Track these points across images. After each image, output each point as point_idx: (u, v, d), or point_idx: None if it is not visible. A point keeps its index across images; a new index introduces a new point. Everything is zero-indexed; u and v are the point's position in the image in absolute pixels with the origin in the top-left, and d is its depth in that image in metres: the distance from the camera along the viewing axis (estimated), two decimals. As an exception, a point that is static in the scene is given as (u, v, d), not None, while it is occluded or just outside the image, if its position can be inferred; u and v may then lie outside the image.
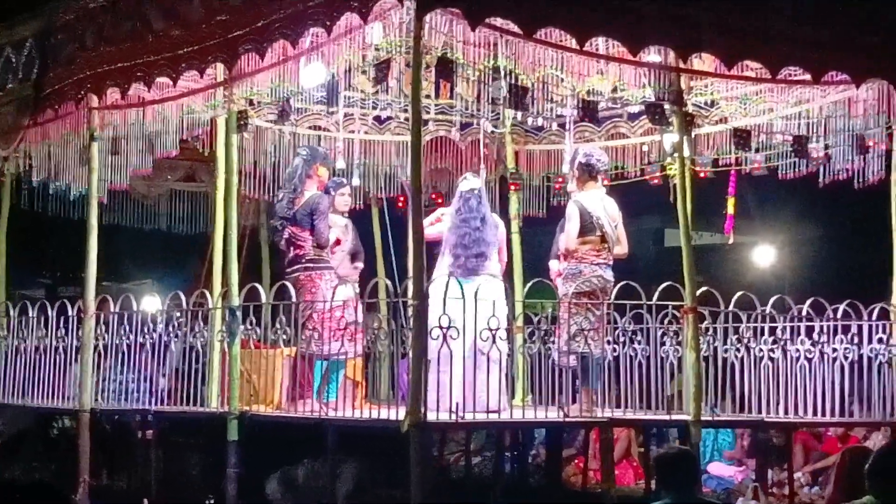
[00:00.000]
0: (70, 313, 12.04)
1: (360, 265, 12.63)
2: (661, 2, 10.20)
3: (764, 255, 19.66)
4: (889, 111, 11.41)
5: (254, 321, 10.71)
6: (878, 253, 11.92)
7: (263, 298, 10.69)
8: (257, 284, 10.89)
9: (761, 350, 11.16)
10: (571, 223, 11.02)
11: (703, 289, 10.71)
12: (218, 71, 11.06)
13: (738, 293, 11.15)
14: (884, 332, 11.30)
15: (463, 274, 10.71)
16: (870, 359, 11.23)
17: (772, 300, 11.23)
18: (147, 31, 11.19)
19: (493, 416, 10.39)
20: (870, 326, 11.29)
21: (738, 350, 11.10)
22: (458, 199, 11.34)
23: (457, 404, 10.05)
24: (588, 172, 11.22)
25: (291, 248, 11.26)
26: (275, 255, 13.61)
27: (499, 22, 9.76)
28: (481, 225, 11.21)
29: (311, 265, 11.21)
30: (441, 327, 9.61)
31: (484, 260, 11.15)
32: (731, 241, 14.76)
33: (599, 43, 10.30)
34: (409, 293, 9.39)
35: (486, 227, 11.25)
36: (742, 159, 12.66)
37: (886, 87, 11.28)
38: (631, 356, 10.94)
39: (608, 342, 10.85)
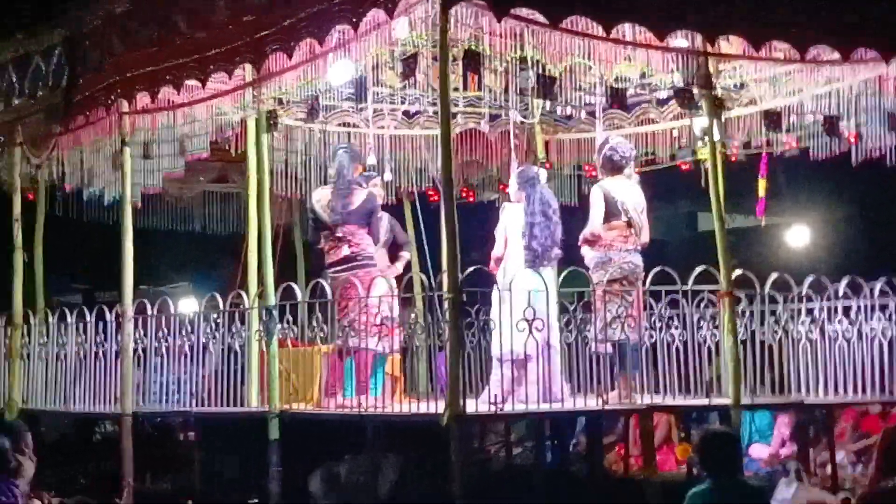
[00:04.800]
0: (108, 318, 12.12)
1: (406, 255, 12.64)
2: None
3: (798, 236, 19.54)
4: (920, 87, 11.38)
5: (290, 320, 10.75)
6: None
7: (299, 297, 10.73)
8: (293, 283, 10.93)
9: (799, 332, 11.13)
10: (595, 209, 11.00)
11: (738, 272, 10.68)
12: (246, 72, 11.09)
13: (774, 275, 11.11)
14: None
15: (538, 264, 10.81)
16: (909, 336, 11.20)
17: (807, 280, 11.20)
18: (174, 34, 11.26)
19: (557, 406, 10.48)
20: (907, 304, 11.26)
21: (775, 332, 11.08)
22: (533, 190, 11.28)
23: (495, 396, 10.14)
24: (611, 164, 11.20)
25: (345, 247, 11.28)
26: (310, 253, 13.66)
27: (524, 12, 9.77)
28: (554, 216, 11.23)
29: (369, 262, 11.29)
30: (527, 320, 9.77)
31: (554, 250, 11.19)
32: (763, 224, 14.69)
33: (626, 29, 10.28)
34: (444, 286, 9.42)
35: (556, 218, 11.28)
36: (773, 141, 12.60)
37: (918, 62, 11.26)
38: (668, 342, 10.92)
39: (645, 329, 10.82)
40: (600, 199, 10.99)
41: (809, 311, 11.18)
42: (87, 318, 12.34)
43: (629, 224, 11.00)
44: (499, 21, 9.68)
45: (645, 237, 11.15)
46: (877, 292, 11.20)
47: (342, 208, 11.29)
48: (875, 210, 18.98)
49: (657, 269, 10.75)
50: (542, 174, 11.55)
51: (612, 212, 10.97)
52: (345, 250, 11.29)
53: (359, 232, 11.34)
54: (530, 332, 9.92)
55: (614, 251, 10.93)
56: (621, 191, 11.04)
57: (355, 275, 11.04)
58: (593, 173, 12.28)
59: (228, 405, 11.16)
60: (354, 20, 9.64)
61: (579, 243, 11.08)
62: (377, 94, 12.32)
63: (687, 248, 18.59)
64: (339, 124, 13.06)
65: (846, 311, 11.27)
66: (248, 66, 10.89)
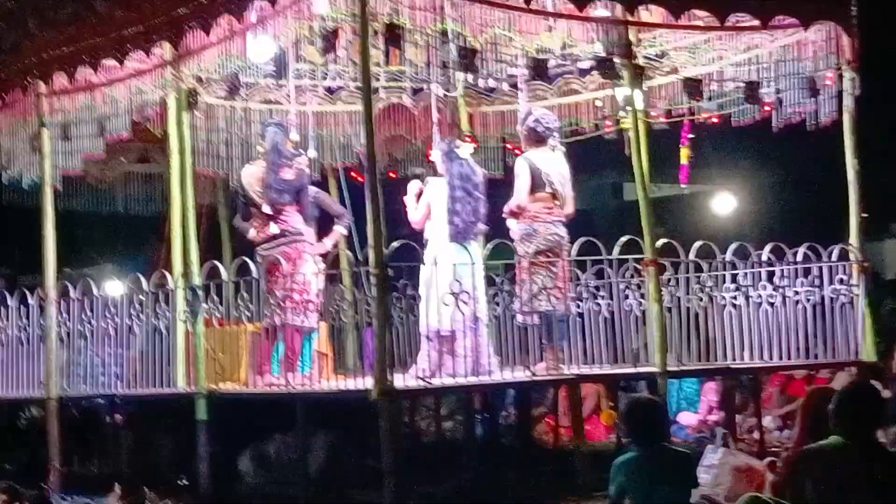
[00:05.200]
0: (31, 302, 11.98)
1: (342, 228, 12.37)
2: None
3: (722, 204, 19.70)
4: (838, 52, 11.47)
5: (216, 299, 10.67)
6: (834, 194, 11.98)
7: (224, 276, 10.65)
8: (217, 262, 10.85)
9: (723, 298, 11.23)
10: (521, 179, 10.97)
11: (663, 241, 10.74)
12: (165, 50, 10.96)
13: (699, 243, 11.19)
14: (844, 272, 11.39)
15: (461, 239, 10.79)
16: (832, 300, 11.33)
17: (731, 247, 11.29)
18: (90, 14, 11.12)
19: (485, 379, 10.53)
20: (830, 268, 11.39)
21: (700, 299, 11.17)
22: (452, 164, 11.22)
23: (423, 370, 10.14)
24: (535, 136, 11.17)
25: (273, 224, 11.22)
26: (235, 232, 13.57)
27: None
28: (476, 191, 11.20)
29: (298, 238, 11.23)
30: (454, 294, 9.82)
31: (478, 224, 11.17)
32: (687, 191, 14.79)
33: (547, 0, 10.28)
34: (370, 262, 9.39)
35: (479, 193, 11.24)
36: (695, 109, 12.67)
37: (835, 28, 11.36)
38: (595, 312, 10.96)
39: (571, 299, 10.85)
40: (526, 170, 10.97)
41: (734, 278, 11.28)
42: (9, 303, 12.20)
43: (554, 196, 10.98)
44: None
45: (570, 208, 11.15)
46: (800, 257, 11.33)
47: (276, 184, 11.23)
48: (797, 176, 19.17)
49: (583, 239, 10.78)
50: (464, 148, 11.49)
51: (537, 183, 10.95)
52: (273, 227, 11.23)
53: (287, 208, 11.28)
54: (457, 305, 9.93)
55: (539, 223, 10.91)
56: (546, 162, 11.03)
57: (283, 252, 10.99)
58: (517, 152, 12.27)
59: (155, 387, 11.07)
60: (273, -5, 9.58)
61: (504, 215, 11.06)
62: (298, 70, 12.23)
63: (613, 219, 18.65)
64: (261, 101, 12.97)
65: (770, 276, 11.39)
66: (167, 45, 10.77)
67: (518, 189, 10.97)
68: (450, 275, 10.10)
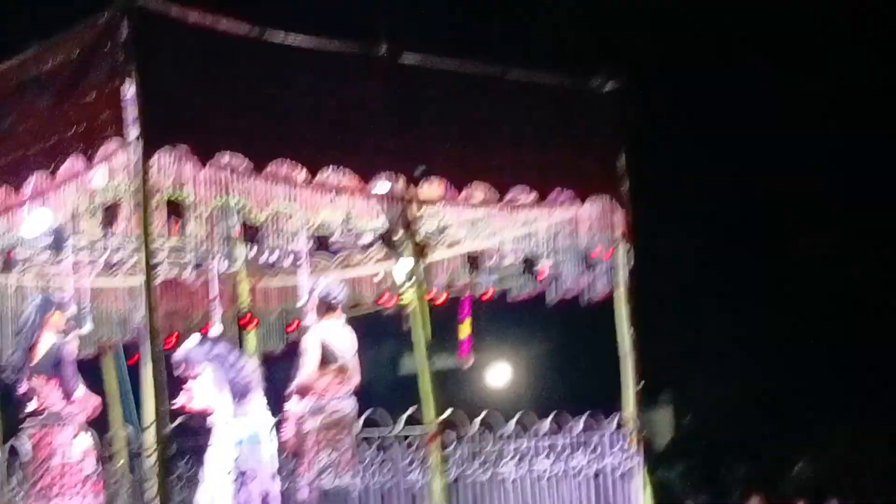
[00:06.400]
0: None
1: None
2: (390, 132, 10.34)
3: (503, 375, 19.95)
4: (612, 226, 11.81)
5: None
6: (611, 364, 12.21)
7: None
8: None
9: (504, 471, 11.23)
10: (309, 354, 10.89)
11: (446, 414, 10.74)
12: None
13: (482, 414, 11.23)
14: (622, 442, 11.55)
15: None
16: (612, 470, 11.46)
17: (514, 419, 11.36)
18: None
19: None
20: (609, 438, 11.54)
21: (483, 472, 11.15)
22: (214, 348, 10.98)
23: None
24: (326, 305, 11.16)
25: (30, 403, 10.81)
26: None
27: (227, 159, 9.71)
28: (241, 363, 10.99)
29: (52, 418, 10.79)
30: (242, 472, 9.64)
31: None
32: (468, 365, 14.89)
33: (331, 174, 10.35)
34: (148, 440, 9.12)
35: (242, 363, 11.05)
36: (474, 283, 12.83)
37: (609, 202, 11.72)
38: (379, 487, 10.84)
39: (357, 473, 10.73)
40: (315, 345, 10.89)
41: (517, 451, 11.33)
42: None
43: (342, 369, 10.92)
44: (202, 167, 9.59)
45: (356, 379, 11.09)
46: (579, 428, 11.45)
47: (22, 362, 10.85)
48: (575, 344, 19.54)
49: (369, 411, 10.71)
50: (215, 329, 11.26)
51: (326, 357, 10.88)
52: (29, 406, 10.82)
53: (46, 385, 10.85)
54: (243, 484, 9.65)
55: (326, 398, 10.80)
56: (335, 334, 10.99)
57: (34, 434, 10.58)
58: (295, 328, 12.18)
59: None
60: (52, 168, 9.39)
61: (291, 391, 10.93)
62: (74, 245, 11.95)
63: (391, 392, 18.64)
64: (37, 276, 12.63)
65: (551, 448, 11.47)
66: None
67: (305, 365, 10.86)
68: (234, 452, 9.83)
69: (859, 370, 22.58)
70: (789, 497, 22.21)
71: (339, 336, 11.01)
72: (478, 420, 11.14)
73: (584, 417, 11.49)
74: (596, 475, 11.43)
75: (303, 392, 10.83)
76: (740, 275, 22.67)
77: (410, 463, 10.88)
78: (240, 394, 10.78)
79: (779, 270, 22.98)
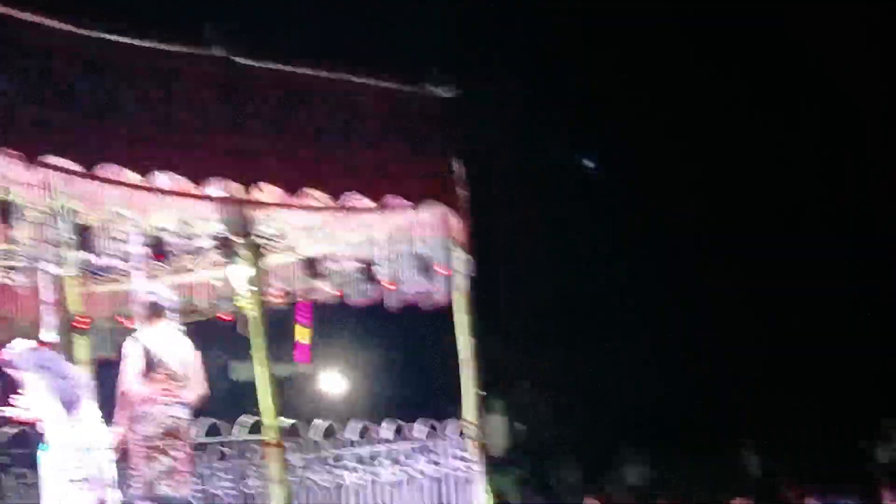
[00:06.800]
0: None
1: None
2: (221, 135, 10.17)
3: (342, 381, 19.83)
4: (448, 233, 11.79)
5: None
6: (450, 371, 12.20)
7: None
8: None
9: (341, 478, 11.16)
10: (129, 361, 10.59)
11: (286, 421, 10.61)
12: None
13: (320, 421, 11.14)
14: (461, 448, 11.56)
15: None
16: (453, 477, 11.46)
17: (354, 425, 11.29)
18: None
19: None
20: (448, 444, 11.54)
21: (324, 478, 11.07)
22: (44, 355, 10.62)
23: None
24: (151, 311, 10.88)
25: None
26: None
27: (55, 160, 9.44)
28: (69, 372, 10.67)
29: None
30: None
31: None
32: (306, 370, 14.78)
33: (162, 177, 10.13)
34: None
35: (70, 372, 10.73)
36: (311, 288, 12.69)
37: (444, 209, 11.69)
38: (214, 496, 10.68)
39: (192, 483, 10.52)
40: (136, 351, 10.59)
41: (359, 458, 11.26)
42: None
43: (172, 377, 10.63)
44: (29, 169, 9.31)
45: (196, 389, 10.79)
46: (417, 433, 11.44)
47: None
48: (415, 351, 19.54)
49: (207, 420, 10.53)
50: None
51: (150, 364, 10.59)
52: None
53: None
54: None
55: (153, 405, 10.50)
56: (161, 341, 10.70)
57: None
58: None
59: None
60: None
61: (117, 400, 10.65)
62: None
63: (226, 399, 18.42)
64: None
65: (391, 454, 11.42)
66: None
67: (125, 372, 10.57)
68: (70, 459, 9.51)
69: (690, 375, 23.07)
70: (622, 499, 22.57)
71: (168, 343, 10.70)
72: (318, 426, 11.04)
73: (424, 423, 11.47)
74: (437, 480, 11.40)
75: (123, 399, 10.51)
76: (580, 284, 22.99)
77: (250, 470, 10.73)
78: (70, 402, 10.48)
79: (616, 279, 23.35)
